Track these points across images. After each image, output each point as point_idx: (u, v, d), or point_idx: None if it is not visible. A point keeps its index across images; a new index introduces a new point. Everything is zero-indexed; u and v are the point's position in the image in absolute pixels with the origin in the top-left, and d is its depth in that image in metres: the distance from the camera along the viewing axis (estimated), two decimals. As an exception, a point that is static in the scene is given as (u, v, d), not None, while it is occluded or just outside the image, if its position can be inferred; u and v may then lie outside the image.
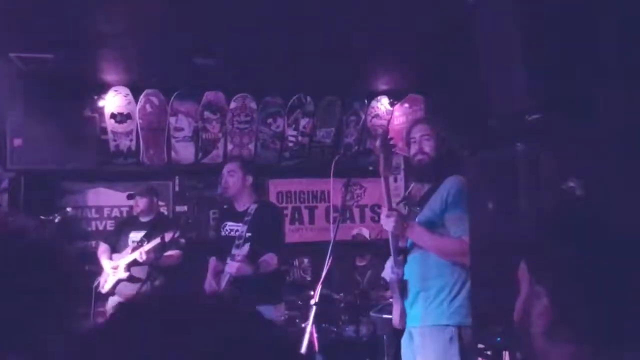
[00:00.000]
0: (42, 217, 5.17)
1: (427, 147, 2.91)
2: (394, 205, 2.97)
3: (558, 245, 1.01)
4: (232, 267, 3.78)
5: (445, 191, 2.84)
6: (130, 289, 4.83)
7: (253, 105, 6.09)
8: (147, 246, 4.86)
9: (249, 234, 3.91)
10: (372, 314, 4.98)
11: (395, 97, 6.36)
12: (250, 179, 4.09)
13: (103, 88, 5.71)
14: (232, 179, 4.06)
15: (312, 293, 4.97)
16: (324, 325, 5.10)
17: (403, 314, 2.94)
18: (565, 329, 0.97)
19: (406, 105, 6.32)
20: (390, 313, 3.22)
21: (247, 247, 3.80)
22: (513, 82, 2.29)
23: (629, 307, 0.95)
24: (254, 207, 4.04)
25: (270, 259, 3.89)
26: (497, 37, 2.41)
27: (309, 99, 6.17)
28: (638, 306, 0.95)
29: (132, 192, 5.34)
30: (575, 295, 0.97)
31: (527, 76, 2.21)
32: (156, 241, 4.80)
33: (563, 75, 2.16)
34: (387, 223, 2.83)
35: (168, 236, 4.69)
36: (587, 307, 0.96)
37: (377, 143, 2.90)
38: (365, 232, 6.09)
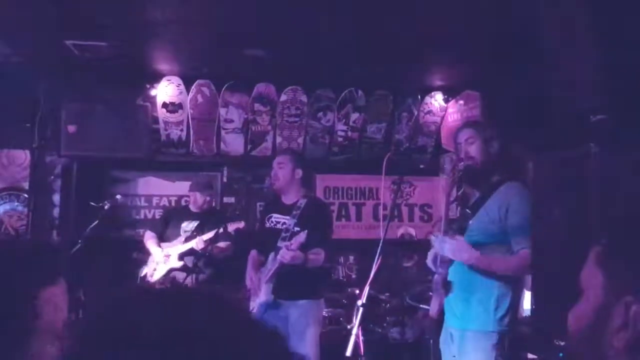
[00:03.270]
0: (92, 203, 5.26)
1: (472, 151, 2.89)
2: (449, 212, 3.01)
3: None
4: (286, 255, 3.67)
5: (506, 199, 2.75)
6: (183, 278, 4.82)
7: (304, 98, 6.00)
8: (206, 235, 4.82)
9: (297, 229, 3.83)
10: (408, 300, 4.89)
11: (450, 94, 6.14)
12: (300, 172, 4.02)
13: (156, 77, 5.73)
14: (282, 171, 3.99)
15: (357, 292, 4.90)
16: (370, 325, 5.00)
17: (441, 307, 2.99)
18: None
19: (461, 102, 6.08)
20: (427, 303, 3.30)
21: (303, 235, 3.68)
22: (579, 80, 2.13)
23: None
24: (303, 201, 3.96)
25: (318, 255, 3.82)
26: (563, 35, 2.26)
27: (360, 93, 6.03)
28: None
29: (204, 185, 5.32)
30: None
31: (593, 75, 2.06)
32: (215, 231, 4.77)
33: (628, 76, 2.00)
34: (443, 249, 2.80)
35: (229, 227, 4.71)
36: None
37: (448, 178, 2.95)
38: (412, 232, 5.94)
